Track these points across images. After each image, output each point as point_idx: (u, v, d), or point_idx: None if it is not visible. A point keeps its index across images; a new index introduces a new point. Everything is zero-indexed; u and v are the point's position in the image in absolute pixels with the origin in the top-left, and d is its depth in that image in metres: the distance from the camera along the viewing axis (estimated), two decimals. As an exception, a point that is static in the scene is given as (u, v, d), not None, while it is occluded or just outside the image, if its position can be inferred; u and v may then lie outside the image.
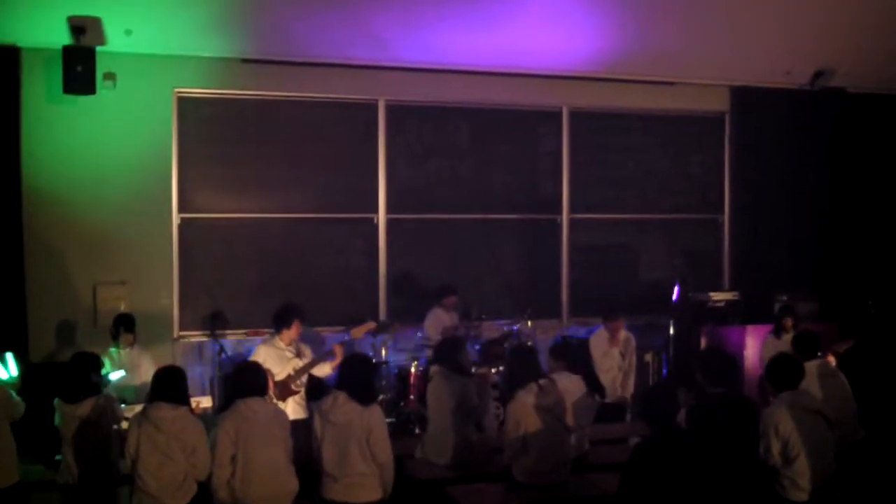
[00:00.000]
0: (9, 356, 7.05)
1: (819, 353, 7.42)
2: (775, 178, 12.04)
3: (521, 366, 6.80)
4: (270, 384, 7.63)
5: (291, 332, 8.05)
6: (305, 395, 8.06)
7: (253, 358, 7.88)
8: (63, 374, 6.83)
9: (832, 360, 7.70)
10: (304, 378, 8.02)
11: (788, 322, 9.52)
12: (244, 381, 6.19)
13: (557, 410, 6.57)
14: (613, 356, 9.34)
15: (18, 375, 6.97)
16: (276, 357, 7.93)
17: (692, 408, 6.25)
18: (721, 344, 10.40)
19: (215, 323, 9.89)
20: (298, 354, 8.06)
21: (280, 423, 6.14)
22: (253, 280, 10.29)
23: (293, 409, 7.74)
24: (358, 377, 6.15)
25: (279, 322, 8.08)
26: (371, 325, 8.94)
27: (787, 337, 9.33)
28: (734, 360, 6.55)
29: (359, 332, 8.78)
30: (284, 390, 7.84)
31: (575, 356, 7.11)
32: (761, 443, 6.00)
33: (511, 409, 6.63)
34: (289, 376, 7.90)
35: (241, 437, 5.94)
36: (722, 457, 5.77)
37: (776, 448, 5.95)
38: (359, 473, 5.95)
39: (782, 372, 6.24)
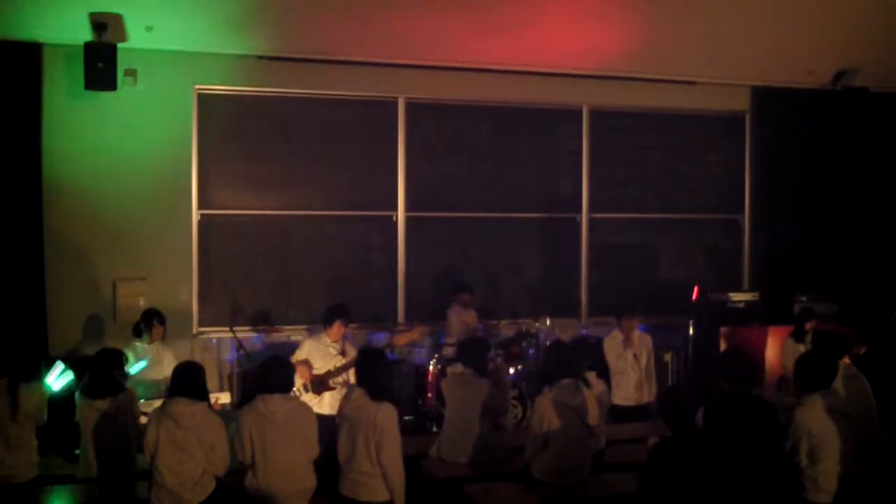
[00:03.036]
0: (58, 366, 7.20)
1: (843, 355, 7.38)
2: (796, 179, 11.99)
3: (556, 362, 6.78)
4: (308, 376, 7.72)
5: (333, 332, 8.17)
6: None
7: (298, 350, 8.14)
8: (86, 369, 6.87)
9: (846, 361, 7.65)
10: (346, 377, 8.07)
11: (810, 325, 9.43)
12: (269, 377, 6.17)
13: (582, 411, 6.54)
14: (627, 359, 9.22)
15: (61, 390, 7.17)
16: (320, 352, 8.08)
17: (710, 408, 6.22)
18: (741, 345, 10.33)
19: (234, 319, 9.90)
20: (343, 353, 8.14)
21: (300, 420, 6.10)
22: (272, 277, 10.32)
23: (330, 404, 7.79)
24: (370, 372, 6.15)
25: (324, 319, 8.28)
26: (415, 334, 9.03)
27: (809, 340, 9.27)
28: (754, 361, 6.51)
29: (402, 339, 8.82)
30: (321, 385, 7.94)
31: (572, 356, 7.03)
32: (789, 441, 5.96)
33: (538, 403, 6.61)
34: (328, 372, 7.98)
35: (259, 436, 5.95)
36: (741, 457, 5.75)
37: (804, 448, 5.91)
38: (363, 472, 5.94)
39: (816, 371, 6.18)
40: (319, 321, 8.47)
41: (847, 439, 6.00)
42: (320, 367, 8.06)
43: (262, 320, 10.16)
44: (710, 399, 6.39)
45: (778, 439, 6.04)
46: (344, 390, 8.09)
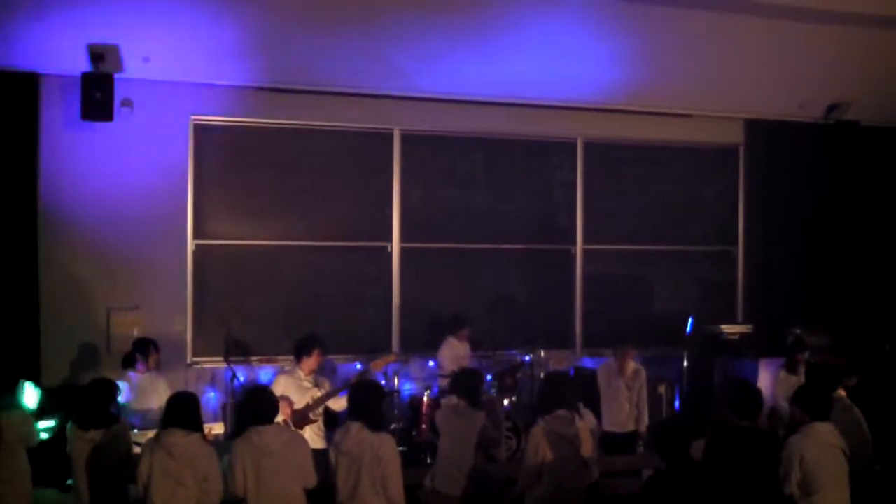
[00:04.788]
0: (27, 385, 7.13)
1: (837, 387, 7.38)
2: (789, 211, 12.03)
3: (550, 393, 6.76)
4: (289, 412, 7.66)
5: (311, 362, 8.09)
6: (323, 425, 8.09)
7: (273, 387, 7.92)
8: (80, 400, 6.84)
9: (842, 393, 7.65)
10: (322, 408, 8.05)
11: (802, 356, 9.42)
12: (253, 407, 6.16)
13: (576, 442, 6.52)
14: (619, 387, 9.22)
15: (36, 407, 7.08)
16: (295, 387, 7.96)
17: (713, 440, 6.21)
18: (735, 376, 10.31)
19: (229, 349, 9.88)
20: (317, 385, 8.09)
21: (296, 451, 6.08)
22: (266, 307, 10.31)
23: (311, 438, 7.73)
24: (366, 404, 6.14)
25: (300, 351, 8.12)
26: (391, 357, 8.99)
27: (802, 371, 9.26)
28: (760, 394, 6.53)
29: (378, 364, 8.79)
30: (303, 419, 7.85)
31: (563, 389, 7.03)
32: (781, 469, 5.96)
33: (532, 434, 6.59)
34: (307, 405, 7.92)
35: (253, 467, 5.93)
36: (742, 490, 5.74)
37: (796, 476, 5.92)
38: (369, 504, 5.94)
39: (815, 402, 6.23)
40: (292, 356, 8.35)
41: (842, 472, 6.01)
42: (297, 401, 7.98)
43: (256, 350, 10.13)
44: (710, 431, 6.39)
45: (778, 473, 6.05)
46: (320, 424, 8.10)
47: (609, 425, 9.12)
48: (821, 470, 5.91)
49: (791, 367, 9.44)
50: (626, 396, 9.17)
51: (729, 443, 6.07)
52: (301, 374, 8.08)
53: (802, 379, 9.12)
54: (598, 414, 8.92)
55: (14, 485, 6.59)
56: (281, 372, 8.44)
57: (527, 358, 10.42)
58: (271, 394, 6.40)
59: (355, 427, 6.01)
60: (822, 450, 5.97)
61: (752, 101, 11.55)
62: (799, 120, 11.90)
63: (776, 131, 12.00)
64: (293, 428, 7.71)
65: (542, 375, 10.18)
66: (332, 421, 8.07)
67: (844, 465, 6.06)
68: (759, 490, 5.90)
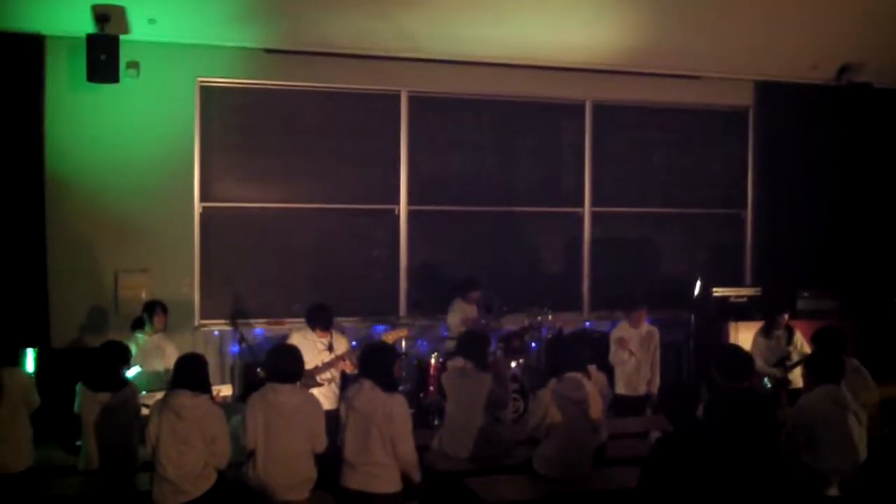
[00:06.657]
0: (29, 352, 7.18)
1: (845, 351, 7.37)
2: (799, 174, 11.97)
3: (560, 355, 6.77)
4: None
5: (316, 332, 8.16)
6: (340, 386, 8.14)
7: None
8: (90, 361, 6.85)
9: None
10: (334, 372, 8.08)
11: (782, 320, 9.21)
12: (278, 364, 6.17)
13: (585, 405, 6.53)
14: (632, 350, 9.17)
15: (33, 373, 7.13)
16: (308, 346, 8.01)
17: (708, 402, 6.24)
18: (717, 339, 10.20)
19: (236, 312, 9.91)
20: (330, 348, 8.13)
21: (308, 413, 6.09)
22: (274, 269, 10.31)
23: (323, 398, 7.79)
24: (378, 364, 6.14)
25: (306, 319, 8.23)
26: (404, 331, 9.01)
27: (778, 335, 9.11)
28: (749, 356, 6.55)
29: (391, 337, 8.82)
30: (309, 380, 7.89)
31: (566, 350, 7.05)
32: (785, 428, 6.01)
33: (540, 395, 6.61)
34: (315, 368, 7.95)
35: (264, 424, 5.95)
36: (740, 450, 5.76)
37: (804, 433, 5.97)
38: (378, 463, 5.95)
39: (825, 366, 6.27)
40: (299, 318, 8.44)
41: (850, 432, 6.04)
42: (307, 361, 8.02)
43: (263, 313, 10.15)
44: (710, 393, 6.43)
45: (776, 433, 6.08)
46: (332, 386, 8.15)
47: (622, 388, 9.15)
48: (828, 428, 5.97)
49: (768, 332, 9.21)
50: (639, 359, 9.17)
51: (721, 404, 6.10)
52: (314, 335, 8.13)
53: (782, 342, 9.04)
54: (610, 376, 8.92)
55: (13, 445, 6.56)
56: (296, 329, 8.52)
57: (535, 320, 10.41)
58: (297, 353, 6.37)
59: (368, 384, 6.02)
60: (831, 409, 6.03)
61: (761, 62, 11.44)
62: (809, 82, 11.79)
63: (786, 93, 11.89)
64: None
65: (549, 338, 10.22)
66: (347, 382, 8.11)
67: (853, 424, 6.09)
68: (757, 449, 5.93)
